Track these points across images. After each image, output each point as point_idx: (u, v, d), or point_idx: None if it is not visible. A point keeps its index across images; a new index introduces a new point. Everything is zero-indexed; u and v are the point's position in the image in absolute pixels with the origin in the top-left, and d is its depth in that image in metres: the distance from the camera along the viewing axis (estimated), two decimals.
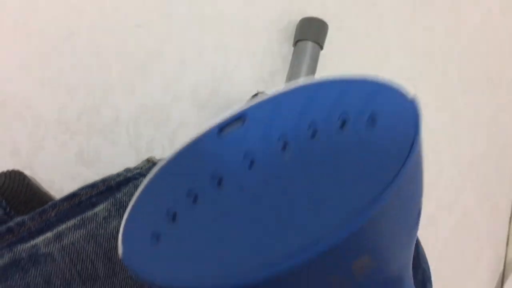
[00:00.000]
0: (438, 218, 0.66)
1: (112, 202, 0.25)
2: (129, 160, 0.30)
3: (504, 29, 0.67)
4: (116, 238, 0.24)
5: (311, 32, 0.42)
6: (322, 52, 0.43)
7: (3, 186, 0.27)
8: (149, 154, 0.31)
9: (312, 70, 0.41)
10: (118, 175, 0.26)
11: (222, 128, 0.19)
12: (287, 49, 0.44)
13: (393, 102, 0.15)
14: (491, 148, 0.71)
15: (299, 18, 0.43)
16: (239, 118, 0.19)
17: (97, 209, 0.24)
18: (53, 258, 0.22)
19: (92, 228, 0.24)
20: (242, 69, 0.41)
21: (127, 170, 0.27)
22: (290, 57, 0.43)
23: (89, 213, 0.24)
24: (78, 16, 0.35)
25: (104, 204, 0.24)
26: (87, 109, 0.34)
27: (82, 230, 0.23)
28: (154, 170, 0.19)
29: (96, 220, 0.24)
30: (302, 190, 0.16)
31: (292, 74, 0.41)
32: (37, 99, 0.33)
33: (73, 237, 0.23)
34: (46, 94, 0.33)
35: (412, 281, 0.18)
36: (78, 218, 0.24)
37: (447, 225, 0.68)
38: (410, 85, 0.15)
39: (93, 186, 0.25)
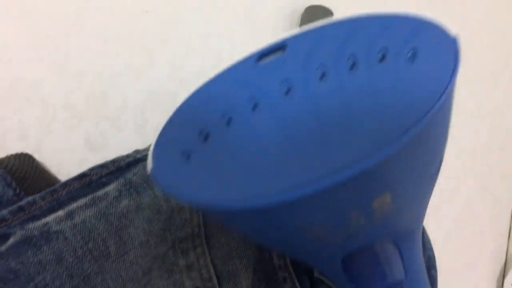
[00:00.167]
0: (440, 210, 0.66)
1: (122, 182, 0.25)
2: (136, 146, 0.30)
3: (508, 21, 0.67)
4: (126, 218, 0.24)
5: (316, 20, 0.42)
6: None
7: (12, 168, 0.27)
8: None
9: None
10: (128, 156, 0.26)
11: (261, 56, 0.19)
12: None
13: (434, 39, 0.16)
14: (494, 141, 0.71)
15: (304, 6, 0.43)
16: (278, 47, 0.19)
17: (107, 188, 0.24)
18: (65, 236, 0.22)
19: (103, 207, 0.24)
20: None
21: (136, 151, 0.28)
22: None
23: (100, 193, 0.24)
24: (85, 0, 0.35)
25: (115, 183, 0.25)
26: (94, 94, 0.35)
27: (93, 209, 0.23)
28: (189, 93, 0.20)
29: (106, 200, 0.24)
30: (336, 118, 0.16)
31: None
32: (45, 83, 0.33)
33: (84, 216, 0.23)
34: (54, 78, 0.33)
35: (421, 244, 0.19)
36: (89, 197, 0.24)
37: (449, 217, 0.68)
38: (451, 25, 0.15)
39: (103, 166, 0.25)
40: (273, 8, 0.43)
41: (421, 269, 0.21)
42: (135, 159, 0.26)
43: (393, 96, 0.15)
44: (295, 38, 0.19)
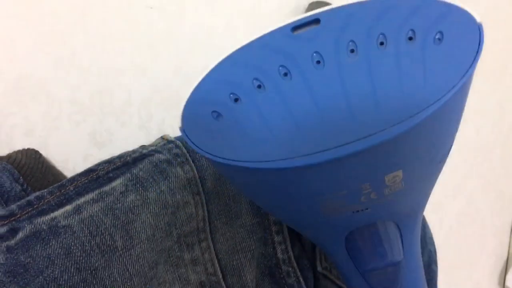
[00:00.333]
0: (443, 205, 0.66)
1: (129, 178, 0.25)
2: (140, 142, 0.31)
3: (510, 18, 0.67)
4: (133, 212, 0.24)
5: None
6: None
7: (20, 164, 0.27)
8: (160, 136, 0.31)
9: None
10: (134, 151, 0.27)
11: (295, 27, 0.20)
12: None
13: (460, 24, 0.17)
14: (496, 136, 0.71)
15: (307, 1, 0.43)
16: (313, 20, 0.20)
17: (114, 183, 0.25)
18: (73, 230, 0.23)
19: (110, 202, 0.24)
20: None
21: (143, 147, 0.28)
22: None
23: (107, 188, 0.24)
24: None
25: (121, 179, 0.25)
26: (99, 90, 0.35)
27: (100, 204, 0.24)
28: (221, 57, 0.21)
29: (113, 194, 0.24)
30: (363, 91, 0.17)
31: None
32: (51, 79, 0.33)
33: (92, 210, 0.23)
34: (60, 75, 0.34)
35: (420, 231, 0.20)
36: (96, 192, 0.24)
37: (452, 212, 0.68)
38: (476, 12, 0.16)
39: (109, 161, 0.25)
40: (276, 4, 0.43)
41: (418, 255, 0.22)
42: (141, 155, 0.26)
43: (417, 75, 0.16)
44: (329, 13, 0.20)
